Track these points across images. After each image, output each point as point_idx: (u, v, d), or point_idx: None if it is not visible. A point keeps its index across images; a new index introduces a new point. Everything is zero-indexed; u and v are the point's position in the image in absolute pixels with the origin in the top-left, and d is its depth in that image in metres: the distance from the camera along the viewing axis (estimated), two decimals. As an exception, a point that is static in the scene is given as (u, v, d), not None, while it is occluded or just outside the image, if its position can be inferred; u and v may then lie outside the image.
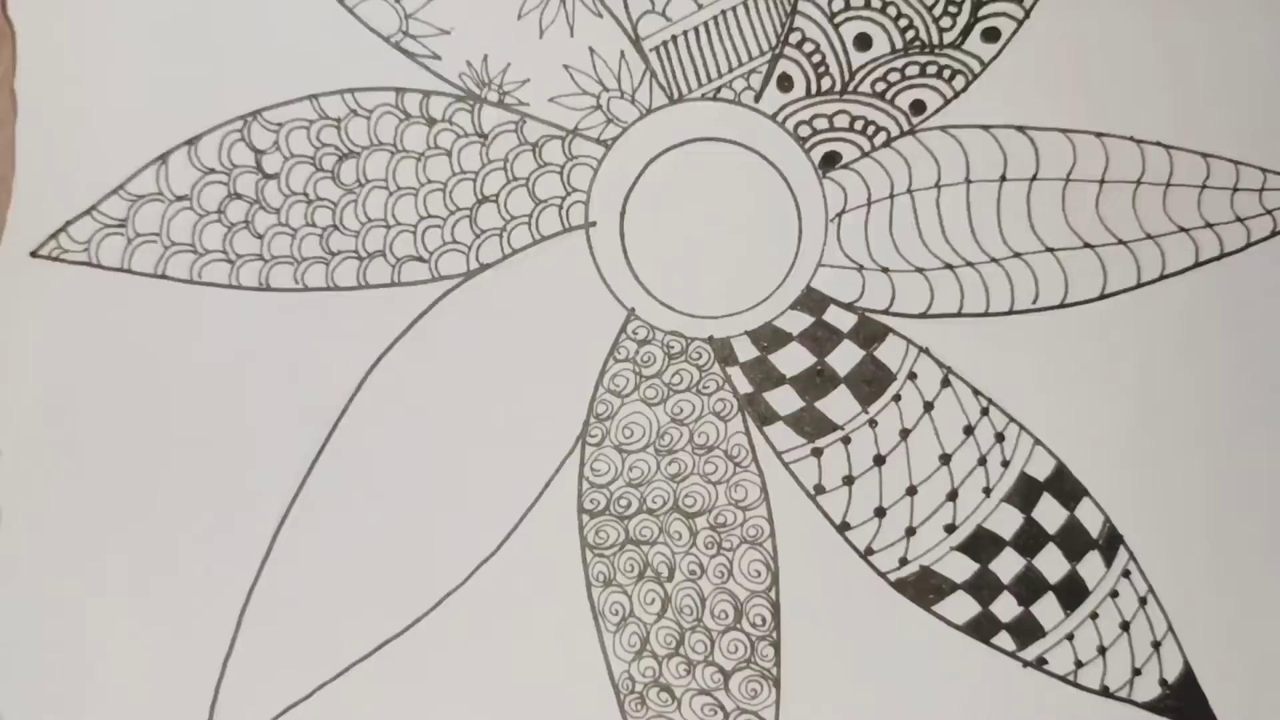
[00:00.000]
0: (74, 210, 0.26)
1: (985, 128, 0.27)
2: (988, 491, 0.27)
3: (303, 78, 0.26)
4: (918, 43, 0.26)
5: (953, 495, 0.27)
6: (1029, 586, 0.27)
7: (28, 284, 0.26)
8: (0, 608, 0.26)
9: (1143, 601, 0.27)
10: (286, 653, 0.26)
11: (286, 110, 0.26)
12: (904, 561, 0.27)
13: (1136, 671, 0.27)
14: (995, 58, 0.27)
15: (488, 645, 0.26)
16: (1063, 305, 0.27)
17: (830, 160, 0.27)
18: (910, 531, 0.27)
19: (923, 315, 0.27)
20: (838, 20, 0.27)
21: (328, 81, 0.26)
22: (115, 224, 0.26)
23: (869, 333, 0.27)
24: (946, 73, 0.27)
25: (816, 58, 0.27)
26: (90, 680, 0.26)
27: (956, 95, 0.27)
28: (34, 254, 0.26)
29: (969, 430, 0.27)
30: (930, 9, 0.26)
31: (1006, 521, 0.27)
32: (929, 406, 0.27)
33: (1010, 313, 0.27)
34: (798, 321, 0.27)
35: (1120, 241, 0.27)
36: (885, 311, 0.27)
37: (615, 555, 0.27)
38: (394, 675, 0.26)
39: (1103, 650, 0.27)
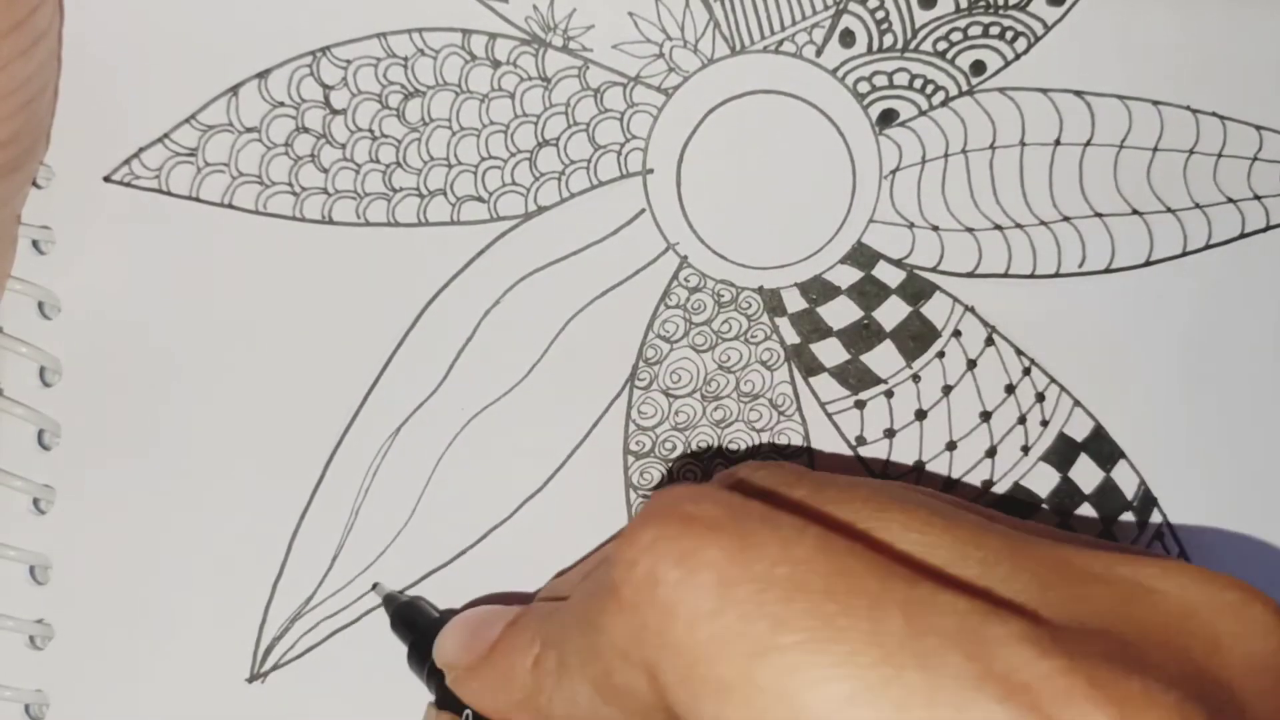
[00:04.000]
0: (146, 138, 0.27)
1: (1043, 91, 0.27)
2: (1026, 450, 0.28)
3: (372, 16, 0.27)
4: (983, 2, 0.27)
5: (991, 452, 0.28)
6: (1061, 543, 0.28)
7: (100, 208, 0.27)
8: (58, 523, 0.27)
9: (1172, 562, 0.28)
10: (334, 580, 0.27)
11: (355, 47, 0.27)
12: (940, 514, 0.28)
13: (1163, 629, 0.27)
14: (1059, 21, 0.27)
15: (530, 579, 0.27)
16: (1108, 270, 0.28)
17: (887, 118, 0.27)
18: (949, 486, 0.28)
19: (970, 274, 0.28)
20: (902, -23, 0.27)
21: (396, 20, 0.27)
22: (186, 153, 0.27)
23: (916, 289, 0.28)
24: (1009, 34, 0.27)
25: (880, 14, 0.27)
26: (144, 591, 0.27)
27: (1018, 57, 0.27)
28: (107, 179, 0.27)
29: (1010, 389, 0.28)
30: (995, -30, 0.27)
31: (1043, 480, 0.28)
32: (972, 364, 0.28)
33: (1056, 275, 0.28)
34: (847, 275, 0.28)
35: (1168, 209, 0.28)
36: (933, 269, 0.28)
37: (659, 496, 0.27)
38: (437, 604, 0.27)
39: (1130, 607, 0.27)
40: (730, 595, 0.16)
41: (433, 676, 0.25)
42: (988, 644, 0.15)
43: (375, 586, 0.27)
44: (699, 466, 0.28)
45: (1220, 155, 0.28)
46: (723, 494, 0.18)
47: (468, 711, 0.23)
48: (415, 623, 0.26)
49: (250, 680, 0.27)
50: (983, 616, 0.15)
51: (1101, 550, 0.18)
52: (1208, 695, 0.15)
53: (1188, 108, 0.27)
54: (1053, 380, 0.28)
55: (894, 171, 0.27)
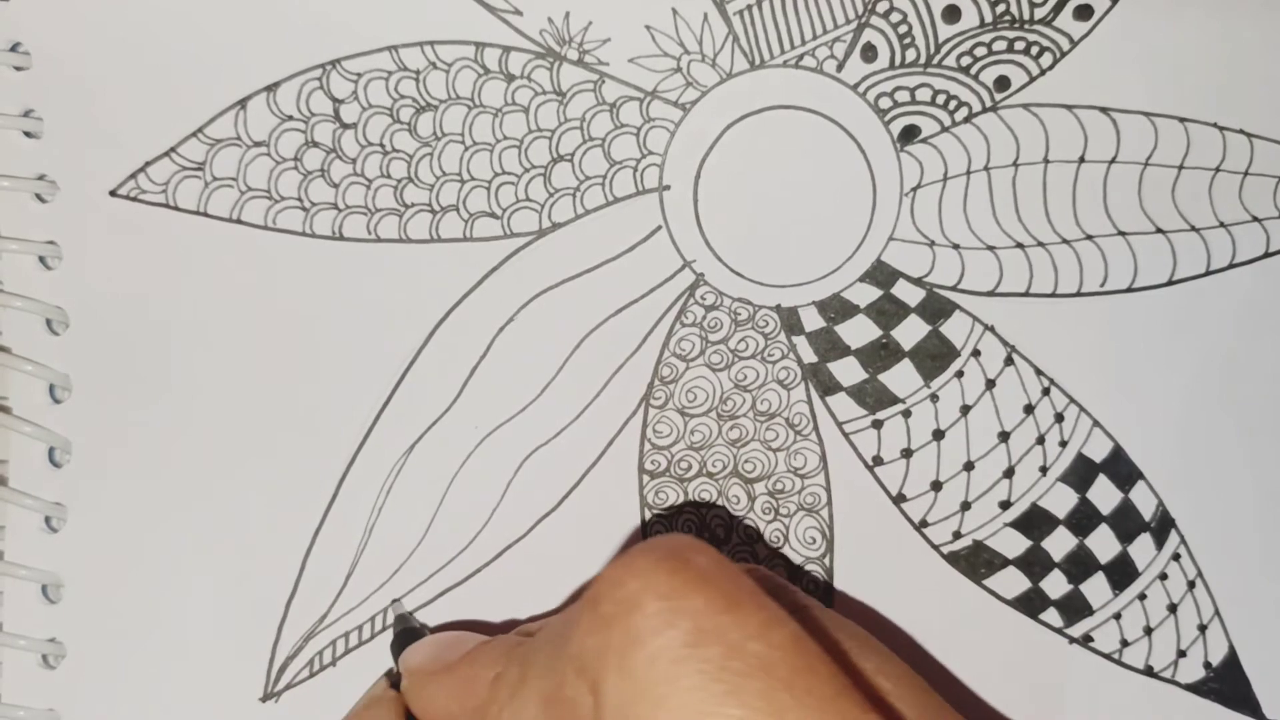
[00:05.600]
0: (153, 152, 0.26)
1: (1068, 107, 0.27)
2: (1044, 470, 0.27)
3: (383, 28, 0.26)
4: (1007, 17, 0.26)
5: (1009, 473, 0.27)
6: (1079, 565, 0.27)
7: (106, 222, 0.26)
8: (70, 541, 0.27)
9: (1191, 585, 0.27)
10: (348, 599, 0.27)
11: (366, 60, 0.26)
12: (958, 535, 0.27)
13: (1181, 653, 0.27)
14: (1085, 36, 0.26)
15: (545, 597, 0.27)
16: (1130, 289, 0.27)
17: (909, 134, 0.27)
18: (965, 506, 0.27)
19: (990, 293, 0.27)
20: (925, -11, 0.26)
21: (408, 33, 0.26)
22: (193, 167, 0.26)
23: (936, 308, 0.27)
24: (1034, 49, 0.26)
25: (903, 28, 0.26)
26: (157, 609, 0.27)
27: (1043, 73, 0.26)
28: (113, 193, 0.26)
29: (1029, 409, 0.27)
30: (1020, -18, 0.26)
31: (1061, 500, 0.27)
32: (991, 384, 0.27)
33: (1078, 294, 0.27)
34: (866, 294, 0.27)
35: (1193, 228, 0.27)
36: (953, 288, 0.27)
37: (674, 516, 0.27)
38: (453, 621, 0.27)
39: (1149, 631, 0.27)
40: (699, 648, 0.16)
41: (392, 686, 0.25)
42: None
43: (394, 604, 0.27)
44: (714, 486, 0.27)
45: (1246, 173, 0.27)
46: (728, 560, 0.18)
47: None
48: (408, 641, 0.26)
49: (264, 699, 0.27)
50: None
51: None
52: None
53: (1215, 125, 0.27)
54: (1072, 400, 0.27)
55: (915, 189, 0.27)
